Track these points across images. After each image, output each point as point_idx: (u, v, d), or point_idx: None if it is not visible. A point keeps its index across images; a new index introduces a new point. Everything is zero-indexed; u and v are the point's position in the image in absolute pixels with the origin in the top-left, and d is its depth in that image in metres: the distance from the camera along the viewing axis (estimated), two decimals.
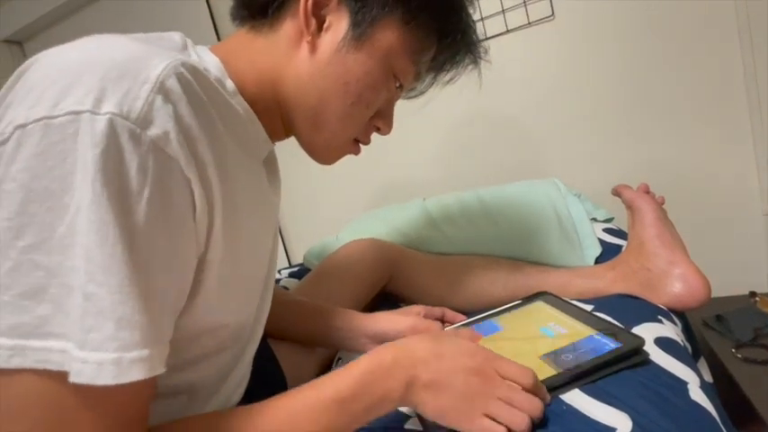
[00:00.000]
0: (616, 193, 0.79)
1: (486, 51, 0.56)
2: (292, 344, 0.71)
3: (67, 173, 0.32)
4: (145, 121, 0.33)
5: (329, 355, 0.75)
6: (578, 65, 1.21)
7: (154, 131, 0.33)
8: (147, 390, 0.36)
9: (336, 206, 1.53)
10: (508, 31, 1.23)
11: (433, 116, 1.28)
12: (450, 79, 0.56)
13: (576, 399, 0.47)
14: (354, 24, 0.47)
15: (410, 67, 0.51)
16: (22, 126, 0.32)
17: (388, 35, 0.48)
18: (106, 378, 0.31)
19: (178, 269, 0.38)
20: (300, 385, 0.44)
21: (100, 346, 0.31)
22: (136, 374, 0.32)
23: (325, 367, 0.74)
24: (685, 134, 1.15)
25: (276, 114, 0.51)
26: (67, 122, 0.32)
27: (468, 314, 0.72)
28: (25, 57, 1.85)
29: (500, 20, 1.23)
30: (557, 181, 0.96)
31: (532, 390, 0.45)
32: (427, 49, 0.52)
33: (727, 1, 1.06)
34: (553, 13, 1.19)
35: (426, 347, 0.45)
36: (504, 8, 1.22)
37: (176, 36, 0.46)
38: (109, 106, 0.32)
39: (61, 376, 0.31)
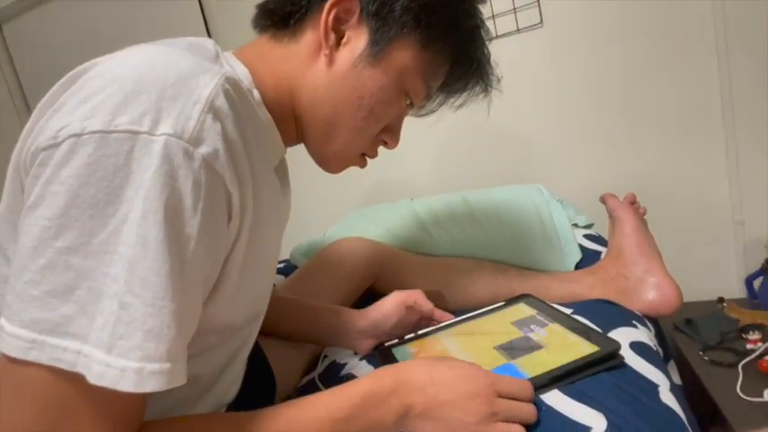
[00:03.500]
0: (602, 200, 0.82)
1: (498, 80, 0.58)
2: (280, 340, 0.72)
3: (116, 186, 0.33)
4: (197, 139, 0.35)
5: (316, 350, 0.76)
6: (564, 72, 1.24)
7: (205, 149, 0.35)
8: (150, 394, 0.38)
9: (322, 204, 1.53)
10: (498, 37, 1.25)
11: (422, 118, 1.30)
12: (462, 104, 0.58)
13: (555, 399, 0.50)
14: (373, 42, 0.48)
15: (422, 87, 0.53)
16: (77, 135, 0.33)
17: (404, 55, 0.49)
18: (126, 385, 0.32)
19: (210, 279, 0.40)
20: (299, 395, 0.46)
21: (126, 354, 0.32)
22: (154, 385, 0.33)
23: (313, 363, 0.75)
24: (663, 144, 1.20)
25: (291, 121, 0.52)
26: (124, 139, 0.33)
27: (453, 312, 0.74)
28: (4, 39, 1.80)
29: (489, 25, 1.25)
30: (541, 187, 0.99)
31: (530, 401, 0.48)
32: (440, 72, 0.54)
33: (707, 19, 1.10)
34: (542, 20, 1.22)
35: (423, 374, 0.46)
36: (495, 14, 1.24)
37: (209, 44, 0.47)
38: (164, 128, 0.34)
39: (70, 375, 0.32)
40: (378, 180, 1.47)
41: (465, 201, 0.97)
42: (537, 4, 1.21)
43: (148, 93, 0.34)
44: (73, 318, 0.33)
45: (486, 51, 0.56)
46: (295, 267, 0.98)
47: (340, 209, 1.35)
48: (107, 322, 0.32)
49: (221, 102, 0.37)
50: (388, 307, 0.68)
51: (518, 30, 1.24)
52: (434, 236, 0.91)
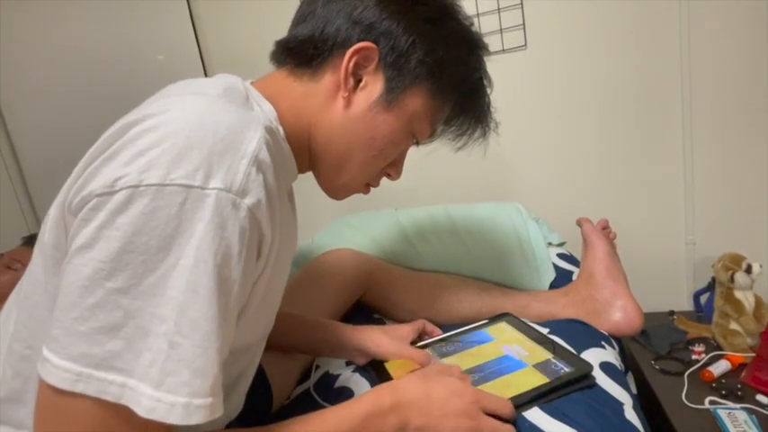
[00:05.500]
0: (578, 223, 0.90)
1: (497, 126, 0.63)
2: (275, 351, 0.75)
3: (168, 235, 0.36)
4: (243, 191, 0.38)
5: (308, 360, 0.80)
6: (546, 94, 1.31)
7: (250, 200, 0.39)
8: None
9: (308, 207, 1.55)
10: None
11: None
12: (462, 146, 0.63)
13: (536, 416, 0.56)
14: (388, 89, 0.52)
15: (428, 129, 0.57)
16: (135, 186, 0.36)
17: (415, 102, 0.53)
18: (175, 418, 0.35)
19: (238, 311, 0.43)
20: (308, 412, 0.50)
21: (175, 390, 0.35)
22: (198, 418, 0.36)
23: (305, 373, 0.79)
24: (630, 168, 1.30)
25: (306, 152, 0.55)
26: (178, 192, 0.36)
27: (439, 326, 0.80)
28: None
29: None
30: (519, 206, 1.06)
31: (510, 419, 0.53)
32: (445, 116, 0.59)
33: (674, 50, 1.21)
34: (526, 43, 1.28)
35: (418, 391, 0.52)
36: (482, 33, 1.29)
37: (238, 84, 0.49)
38: (215, 182, 0.37)
39: (114, 406, 0.35)
40: None
41: (448, 215, 1.02)
42: (522, 27, 1.27)
43: (200, 149, 0.37)
44: (119, 353, 0.35)
45: (487, 100, 0.60)
46: None
47: (324, 214, 1.38)
48: (156, 360, 0.35)
49: (264, 155, 0.40)
50: (386, 353, 0.71)
51: (503, 50, 1.29)
52: (418, 249, 0.96)
